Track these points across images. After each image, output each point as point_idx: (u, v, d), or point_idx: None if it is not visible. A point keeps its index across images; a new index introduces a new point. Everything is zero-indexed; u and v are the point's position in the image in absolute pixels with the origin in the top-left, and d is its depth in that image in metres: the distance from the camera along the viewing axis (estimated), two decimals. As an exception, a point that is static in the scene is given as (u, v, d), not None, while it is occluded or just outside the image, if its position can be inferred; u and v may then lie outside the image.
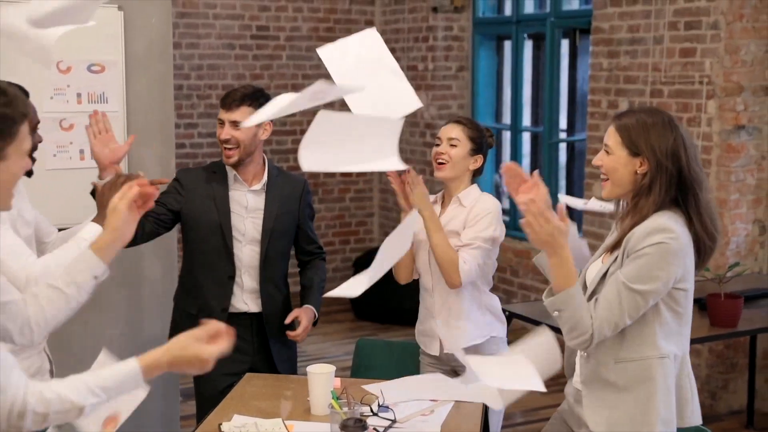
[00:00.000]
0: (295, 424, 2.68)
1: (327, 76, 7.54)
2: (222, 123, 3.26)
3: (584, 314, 2.32)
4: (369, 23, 7.76)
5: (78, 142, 3.73)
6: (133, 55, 3.83)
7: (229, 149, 3.25)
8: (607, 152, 2.44)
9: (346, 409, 2.55)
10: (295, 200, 3.41)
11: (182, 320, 3.32)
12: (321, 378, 2.76)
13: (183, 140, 7.21)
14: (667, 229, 2.31)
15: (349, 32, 7.88)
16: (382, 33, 7.69)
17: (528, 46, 6.83)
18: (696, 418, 2.43)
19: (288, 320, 3.29)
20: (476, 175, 3.24)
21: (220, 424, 2.64)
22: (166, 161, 3.94)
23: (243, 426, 2.62)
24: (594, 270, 2.48)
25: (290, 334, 3.27)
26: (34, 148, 2.64)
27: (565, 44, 6.42)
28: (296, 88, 7.56)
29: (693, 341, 3.95)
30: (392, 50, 7.99)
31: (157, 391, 4.02)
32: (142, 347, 4.01)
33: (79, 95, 3.74)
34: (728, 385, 5.15)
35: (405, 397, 2.88)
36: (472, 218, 3.10)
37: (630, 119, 2.42)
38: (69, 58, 3.68)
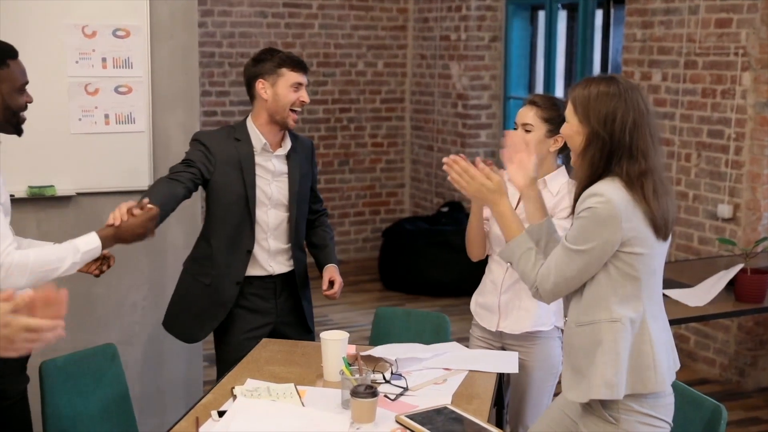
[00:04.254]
0: (308, 390, 2.68)
1: (358, 46, 7.43)
2: (300, 86, 3.24)
3: (527, 268, 2.47)
4: (402, -8, 7.71)
5: (103, 106, 3.76)
6: (158, 20, 3.83)
7: (298, 113, 3.28)
8: (567, 121, 2.46)
9: (357, 375, 2.55)
10: (308, 163, 3.43)
11: (193, 288, 3.34)
12: (334, 345, 2.76)
13: (214, 108, 7.23)
14: (597, 193, 2.32)
15: (381, 1, 7.83)
16: (415, 2, 7.65)
17: (562, 17, 6.74)
18: (660, 385, 2.37)
19: (326, 284, 3.35)
20: (563, 150, 3.09)
21: (233, 387, 2.66)
22: (189, 128, 3.95)
23: (255, 390, 2.63)
24: None
25: (329, 292, 3.34)
26: (24, 106, 2.65)
27: (599, 14, 6.32)
28: (328, 56, 7.54)
29: (719, 316, 3.94)
30: (425, 20, 7.98)
31: (181, 355, 4.07)
32: (164, 312, 4.08)
33: (104, 60, 3.75)
34: (757, 362, 5.08)
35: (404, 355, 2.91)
36: (561, 210, 3.01)
37: (581, 87, 2.42)
38: (94, 22, 3.70)
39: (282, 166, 3.33)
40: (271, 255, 3.33)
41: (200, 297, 3.31)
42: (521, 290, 3.07)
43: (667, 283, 4.07)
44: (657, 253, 2.40)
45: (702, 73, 5.22)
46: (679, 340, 5.46)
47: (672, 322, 3.66)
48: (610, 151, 2.35)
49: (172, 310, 3.42)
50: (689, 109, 5.32)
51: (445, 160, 2.60)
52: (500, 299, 3.12)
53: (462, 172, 2.57)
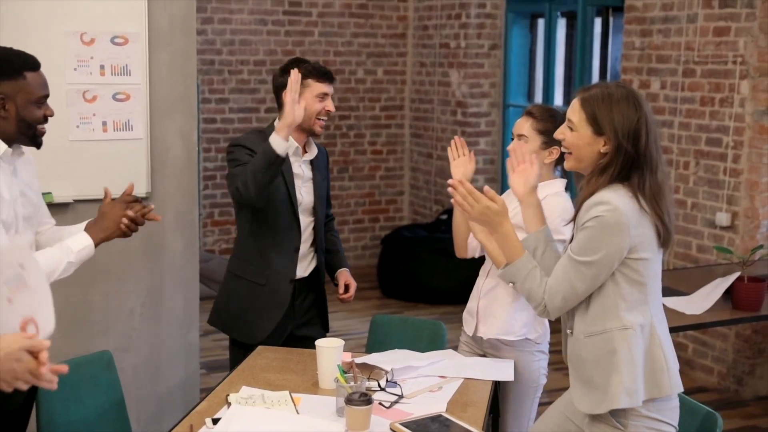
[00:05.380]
0: (303, 397, 2.68)
1: (358, 54, 7.44)
2: (326, 96, 3.33)
3: (534, 285, 2.44)
4: (402, 0, 7.72)
5: (101, 113, 3.76)
6: (157, 27, 3.84)
7: (325, 121, 3.36)
8: (571, 128, 2.43)
9: (352, 383, 2.55)
10: (325, 168, 3.54)
11: (250, 291, 3.37)
12: (329, 352, 2.76)
13: (214, 115, 7.24)
14: (603, 201, 2.31)
15: (381, 9, 7.85)
16: (415, 10, 7.67)
17: (561, 24, 6.75)
18: (674, 387, 2.40)
19: (342, 288, 3.50)
20: (560, 163, 3.04)
21: (227, 395, 2.66)
22: (187, 135, 3.96)
23: (250, 397, 2.63)
24: None
25: (345, 296, 3.49)
26: (43, 119, 2.64)
27: (598, 22, 6.34)
28: (328, 64, 7.54)
29: (715, 324, 3.94)
30: (425, 27, 7.97)
31: (178, 362, 4.07)
32: (161, 319, 4.07)
33: (102, 67, 3.76)
34: (755, 371, 5.08)
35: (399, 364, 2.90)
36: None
37: (596, 96, 2.39)
38: (92, 30, 3.70)
39: (308, 172, 3.42)
40: (299, 258, 3.41)
41: (257, 298, 3.37)
42: (497, 296, 3.09)
43: (665, 291, 4.06)
44: (659, 257, 2.42)
45: (700, 81, 5.23)
46: (677, 348, 5.42)
47: (669, 330, 3.68)
48: (634, 164, 2.35)
49: (230, 315, 3.44)
50: (687, 117, 5.32)
51: (450, 182, 2.56)
52: (479, 304, 3.14)
53: (466, 195, 2.51)
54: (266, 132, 3.33)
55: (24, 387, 1.85)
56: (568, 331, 2.50)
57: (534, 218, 2.56)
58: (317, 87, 3.31)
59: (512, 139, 3.11)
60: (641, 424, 2.38)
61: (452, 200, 2.56)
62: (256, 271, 3.37)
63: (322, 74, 3.33)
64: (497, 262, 2.82)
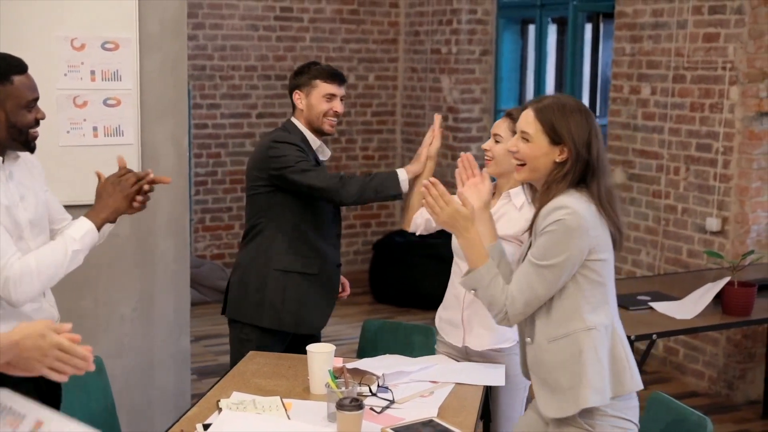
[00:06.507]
0: (294, 403, 2.67)
1: (350, 59, 7.48)
2: (333, 97, 3.44)
3: (496, 292, 2.45)
4: (393, 6, 7.74)
5: (91, 119, 3.76)
6: (147, 33, 3.84)
7: (335, 121, 3.49)
8: (526, 139, 2.44)
9: (343, 388, 2.55)
10: None
11: (305, 283, 3.45)
12: (320, 357, 2.76)
13: (205, 120, 7.24)
14: (563, 206, 2.35)
15: (373, 15, 7.86)
16: (407, 16, 7.68)
17: (552, 30, 6.77)
18: (636, 383, 2.44)
19: (342, 287, 3.68)
20: None
21: (218, 400, 2.65)
22: (178, 140, 3.96)
23: (241, 403, 2.62)
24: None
25: (343, 294, 3.68)
26: (34, 123, 2.62)
27: (588, 28, 6.36)
28: (319, 70, 7.55)
29: (705, 329, 3.95)
30: (416, 33, 7.98)
31: (169, 368, 4.06)
32: (152, 324, 4.06)
33: (93, 72, 3.75)
34: (746, 375, 5.09)
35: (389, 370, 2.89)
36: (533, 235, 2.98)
37: (551, 106, 2.43)
38: (83, 35, 3.70)
39: None
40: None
41: (312, 287, 3.47)
42: (483, 306, 3.06)
43: (655, 296, 4.09)
44: (613, 258, 2.47)
45: (690, 87, 5.25)
46: (668, 352, 5.47)
47: (660, 335, 3.70)
48: (589, 171, 2.40)
49: (291, 312, 3.45)
50: (678, 123, 5.35)
51: (424, 182, 2.58)
52: (463, 314, 3.10)
53: (438, 197, 2.52)
54: (287, 128, 3.47)
55: (56, 375, 1.73)
56: (528, 340, 2.51)
57: (488, 232, 2.56)
58: (324, 87, 3.43)
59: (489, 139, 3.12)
60: (607, 423, 2.41)
61: (422, 201, 2.60)
62: (308, 263, 3.46)
63: (330, 75, 3.45)
64: None
